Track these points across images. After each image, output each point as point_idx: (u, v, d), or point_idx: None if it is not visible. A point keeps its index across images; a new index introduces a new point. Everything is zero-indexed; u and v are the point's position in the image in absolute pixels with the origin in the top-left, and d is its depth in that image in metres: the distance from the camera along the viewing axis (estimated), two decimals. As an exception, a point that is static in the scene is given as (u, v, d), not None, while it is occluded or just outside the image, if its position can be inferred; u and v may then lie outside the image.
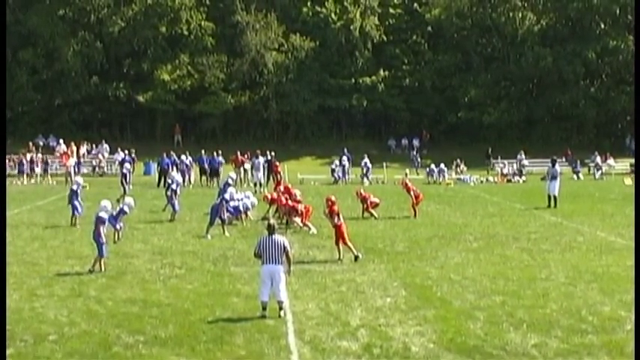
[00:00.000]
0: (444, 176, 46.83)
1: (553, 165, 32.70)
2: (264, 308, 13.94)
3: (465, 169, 50.64)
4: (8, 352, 12.12)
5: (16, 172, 46.50)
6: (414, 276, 17.66)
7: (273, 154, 44.38)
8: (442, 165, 47.49)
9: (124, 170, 38.94)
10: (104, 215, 18.90)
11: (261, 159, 42.28)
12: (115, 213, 21.63)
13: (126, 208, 22.49)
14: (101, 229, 18.43)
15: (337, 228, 19.65)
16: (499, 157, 53.41)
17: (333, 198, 20.62)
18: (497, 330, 13.19)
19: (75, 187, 25.77)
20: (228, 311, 14.61)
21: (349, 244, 19.59)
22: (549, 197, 31.23)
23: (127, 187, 37.44)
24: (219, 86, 58.72)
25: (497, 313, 14.25)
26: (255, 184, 40.83)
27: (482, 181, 47.59)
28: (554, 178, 31.49)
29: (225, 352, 12.14)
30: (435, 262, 19.30)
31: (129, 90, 58.01)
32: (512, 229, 24.77)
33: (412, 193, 28.57)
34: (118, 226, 22.17)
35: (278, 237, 14.35)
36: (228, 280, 17.33)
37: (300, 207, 24.85)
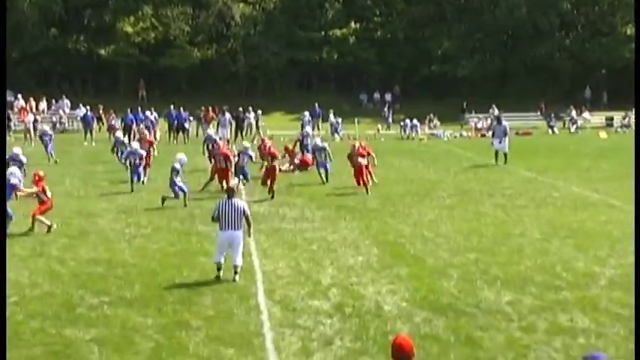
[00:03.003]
0: (417, 131, 46.85)
1: (499, 122, 32.24)
2: (219, 269, 13.89)
3: (439, 123, 50.70)
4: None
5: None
6: (386, 234, 17.73)
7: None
8: (415, 120, 47.50)
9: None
10: (178, 166, 21.32)
11: (227, 115, 42.00)
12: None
13: (177, 165, 21.59)
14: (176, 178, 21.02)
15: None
16: (473, 111, 53.51)
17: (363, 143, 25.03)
18: (470, 287, 13.31)
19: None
20: (196, 271, 14.59)
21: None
22: (496, 153, 30.59)
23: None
24: (184, 39, 57.97)
25: (470, 271, 14.37)
26: (227, 142, 40.52)
27: (455, 137, 47.74)
28: (499, 136, 30.83)
29: (194, 313, 12.14)
30: (408, 220, 19.38)
31: (90, 43, 57.02)
32: (486, 185, 24.91)
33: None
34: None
35: (237, 201, 14.06)
36: (196, 239, 17.28)
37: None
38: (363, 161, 23.74)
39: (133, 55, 57.51)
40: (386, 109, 54.85)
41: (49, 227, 17.93)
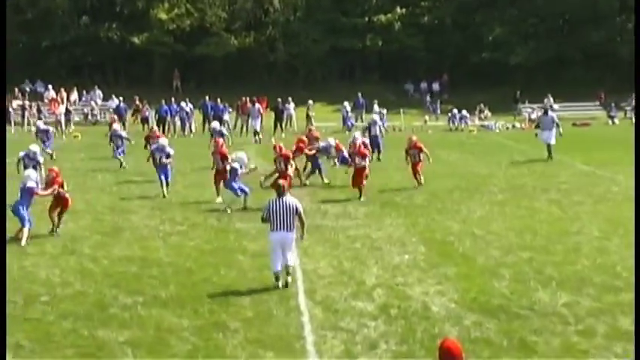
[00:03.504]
0: (466, 123, 46.64)
1: (545, 113, 31.95)
2: (277, 279, 13.39)
3: (490, 114, 50.38)
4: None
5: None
6: (434, 231, 17.67)
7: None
8: (464, 111, 47.26)
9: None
10: (237, 166, 20.64)
11: (257, 106, 41.97)
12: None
13: (236, 165, 20.80)
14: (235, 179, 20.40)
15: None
16: (526, 101, 53.05)
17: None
18: (524, 288, 13.20)
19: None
20: (234, 270, 14.67)
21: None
22: (548, 147, 30.09)
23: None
24: (221, 26, 58.24)
25: (524, 270, 14.26)
26: (255, 134, 40.43)
27: (507, 128, 47.38)
28: (547, 128, 30.40)
29: (231, 314, 12.21)
30: (457, 216, 19.30)
31: (122, 31, 57.53)
32: (540, 180, 24.69)
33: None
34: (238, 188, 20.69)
35: (289, 199, 13.64)
36: (234, 236, 17.38)
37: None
38: (422, 156, 23.67)
39: (167, 43, 57.90)
40: (428, 97, 54.50)
41: (55, 228, 17.74)
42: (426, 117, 48.87)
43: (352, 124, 44.97)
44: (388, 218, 19.08)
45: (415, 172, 23.48)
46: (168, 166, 22.71)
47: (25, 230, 16.86)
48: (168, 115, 43.44)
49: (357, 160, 22.25)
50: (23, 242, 16.54)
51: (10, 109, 47.21)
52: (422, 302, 12.63)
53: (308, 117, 44.98)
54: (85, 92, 53.24)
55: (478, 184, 23.98)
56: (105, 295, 13.22)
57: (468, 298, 12.75)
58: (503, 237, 16.89)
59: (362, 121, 47.52)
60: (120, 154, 29.30)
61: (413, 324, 11.65)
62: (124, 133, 31.40)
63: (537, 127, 31.99)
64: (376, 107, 46.62)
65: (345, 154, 25.41)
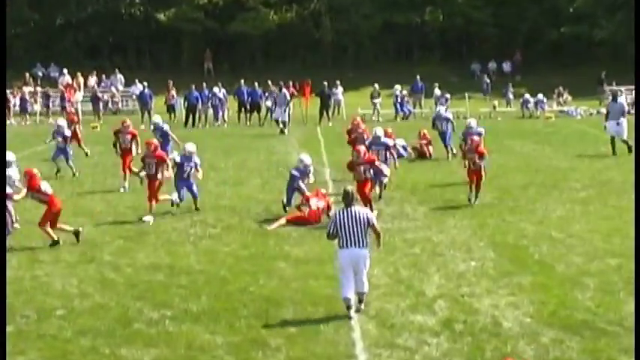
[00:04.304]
0: (542, 108, 46.29)
1: (614, 99, 30.83)
2: (348, 307, 12.59)
3: (570, 98, 49.95)
4: (7, 329, 12.41)
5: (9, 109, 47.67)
6: (505, 234, 17.56)
7: (376, 86, 45.85)
8: (540, 95, 46.91)
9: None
10: (302, 169, 20.08)
11: (284, 91, 41.69)
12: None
13: (301, 168, 20.25)
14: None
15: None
16: (614, 82, 52.45)
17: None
18: (612, 300, 13.07)
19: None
20: (274, 279, 14.72)
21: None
22: (612, 141, 29.16)
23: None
24: (258, 0, 58.41)
25: (611, 280, 14.11)
26: (278, 123, 40.04)
27: (591, 114, 46.89)
28: (615, 117, 29.44)
29: (271, 330, 12.24)
30: (532, 217, 19.16)
31: (146, 6, 58.04)
32: (630, 174, 24.31)
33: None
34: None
35: (359, 209, 13.16)
36: (274, 240, 17.44)
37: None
38: (482, 162, 20.84)
39: (198, 20, 58.23)
40: (486, 78, 53.99)
41: (55, 241, 17.35)
42: (495, 102, 48.55)
43: (409, 112, 44.92)
44: (452, 219, 18.99)
45: (474, 182, 20.74)
46: (193, 180, 20.57)
47: None
48: (199, 103, 43.62)
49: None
50: None
51: (14, 99, 48.07)
52: (491, 316, 12.55)
53: (374, 104, 44.69)
54: (104, 77, 53.72)
55: (557, 180, 23.78)
56: (128, 309, 13.33)
57: (545, 312, 12.65)
58: (586, 241, 16.73)
59: (420, 108, 47.52)
60: (61, 159, 26.61)
61: (481, 341, 11.58)
62: (68, 132, 27.70)
63: (607, 117, 30.52)
64: (437, 91, 46.54)
65: (402, 147, 25.57)
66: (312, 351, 11.37)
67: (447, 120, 29.46)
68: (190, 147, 20.82)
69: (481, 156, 20.68)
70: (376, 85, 46.12)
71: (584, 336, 11.67)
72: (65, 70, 52.68)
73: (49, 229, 17.34)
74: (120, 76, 53.48)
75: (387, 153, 22.10)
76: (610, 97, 32.00)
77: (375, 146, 22.07)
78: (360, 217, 12.75)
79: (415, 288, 14.02)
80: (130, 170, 23.09)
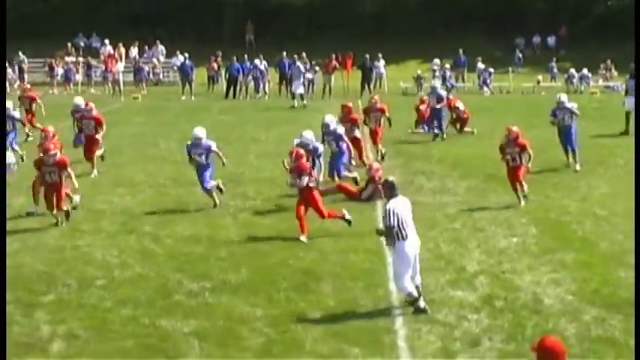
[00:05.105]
0: (587, 83, 45.81)
1: (631, 76, 30.18)
2: (413, 302, 11.83)
3: (616, 73, 49.33)
4: (48, 298, 12.57)
5: (49, 79, 48.26)
6: (547, 210, 17.45)
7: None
8: (585, 69, 46.43)
9: None
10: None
11: (299, 64, 41.44)
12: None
13: None
14: None
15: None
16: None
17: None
18: (655, 279, 12.95)
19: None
20: (314, 252, 14.74)
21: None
22: (627, 117, 28.63)
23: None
24: (301, -29, 58.25)
25: (655, 258, 13.98)
26: (293, 97, 39.64)
27: (637, 90, 46.33)
28: (631, 94, 28.86)
29: (310, 303, 12.28)
30: (575, 194, 19.04)
31: (189, -23, 58.08)
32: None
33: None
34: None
35: (403, 197, 12.44)
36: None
37: None
38: (524, 157, 18.13)
39: (240, -9, 58.14)
40: (519, 53, 53.37)
41: (66, 212, 16.96)
42: (539, 77, 48.12)
43: (452, 86, 44.65)
44: (493, 195, 18.89)
45: (515, 181, 18.22)
46: (210, 166, 18.56)
47: None
48: (240, 75, 43.69)
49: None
50: None
51: (57, 68, 48.62)
52: (532, 293, 12.50)
53: (418, 79, 44.38)
54: (146, 48, 53.88)
55: (602, 156, 23.56)
56: (168, 280, 13.44)
57: (587, 290, 12.56)
58: (630, 219, 16.54)
59: (463, 82, 47.25)
60: (14, 145, 23.91)
61: (522, 318, 11.54)
62: (15, 114, 25.28)
63: (626, 93, 30.08)
64: (480, 65, 46.24)
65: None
66: (351, 325, 11.38)
67: (440, 98, 27.85)
68: (198, 131, 18.45)
69: (522, 149, 17.92)
70: (419, 71, 45.79)
71: (627, 314, 11.56)
72: (107, 41, 52.95)
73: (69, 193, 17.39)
74: (161, 48, 53.64)
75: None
76: (629, 75, 31.52)
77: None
78: (407, 204, 12.17)
79: (455, 263, 13.99)
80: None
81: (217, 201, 18.25)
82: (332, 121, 20.34)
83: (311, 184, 15.95)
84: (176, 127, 30.36)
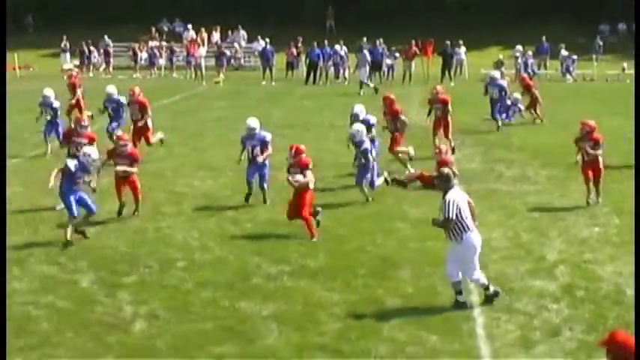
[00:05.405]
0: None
1: None
2: (487, 287, 11.63)
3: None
4: (130, 279, 12.77)
5: (133, 63, 49.05)
6: (630, 200, 17.14)
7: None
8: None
9: None
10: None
11: (366, 52, 41.27)
12: None
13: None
14: None
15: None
16: None
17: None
18: None
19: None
20: (392, 239, 14.72)
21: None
22: None
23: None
24: (383, -44, 58.02)
25: None
26: (361, 85, 39.25)
27: None
28: None
29: (388, 289, 12.27)
30: (660, 183, 18.68)
31: (271, -38, 58.23)
32: None
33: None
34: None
35: (461, 189, 12.23)
36: (393, 199, 17.43)
37: None
38: (599, 151, 17.16)
39: (322, -24, 58.12)
40: (599, 40, 52.39)
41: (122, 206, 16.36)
42: (624, 64, 47.24)
43: (534, 73, 44.08)
44: (574, 183, 18.60)
45: (590, 179, 17.19)
46: (266, 164, 17.67)
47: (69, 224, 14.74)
48: (321, 60, 43.78)
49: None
50: (68, 236, 14.60)
51: (141, 53, 49.36)
52: (614, 284, 12.32)
53: (499, 64, 43.77)
54: (230, 32, 54.22)
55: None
56: (247, 263, 13.55)
57: (671, 281, 12.34)
58: None
59: (545, 69, 46.64)
60: (52, 134, 22.85)
61: (603, 309, 11.38)
62: (56, 103, 23.44)
63: None
64: (563, 52, 45.58)
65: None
66: (429, 312, 11.34)
67: (501, 88, 27.04)
68: (252, 122, 17.65)
69: (596, 143, 17.02)
70: (500, 56, 45.24)
71: None
72: (190, 26, 53.48)
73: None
74: (243, 32, 54.00)
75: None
76: None
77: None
78: (466, 196, 11.82)
79: (535, 252, 13.85)
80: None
81: (268, 200, 17.39)
82: (362, 111, 19.69)
83: (311, 185, 15.31)
84: (257, 111, 30.36)
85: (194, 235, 15.07)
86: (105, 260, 13.74)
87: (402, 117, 20.74)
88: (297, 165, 15.35)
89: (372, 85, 38.97)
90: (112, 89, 23.50)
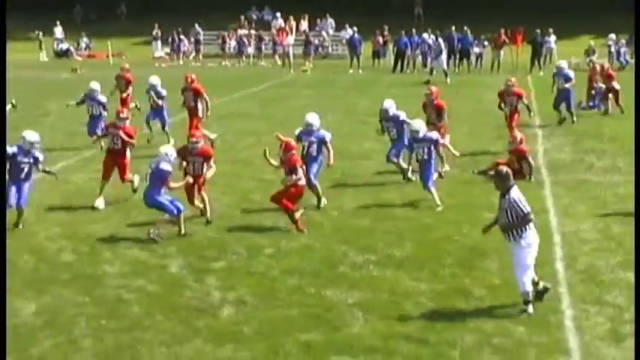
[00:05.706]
0: None
1: None
2: (527, 303, 11.02)
3: None
4: (218, 264, 12.92)
5: (222, 52, 49.56)
6: None
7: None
8: None
9: None
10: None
11: (440, 40, 40.88)
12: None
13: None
14: None
15: None
16: None
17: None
18: None
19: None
20: (479, 229, 14.55)
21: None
22: None
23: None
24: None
25: None
26: (431, 72, 39.19)
27: None
28: None
29: (475, 279, 12.20)
30: None
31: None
32: None
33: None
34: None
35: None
36: (479, 189, 17.28)
37: None
38: None
39: (410, -36, 57.78)
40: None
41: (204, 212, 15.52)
42: None
43: (626, 62, 43.28)
44: (668, 175, 18.26)
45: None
46: (319, 162, 16.67)
47: (181, 218, 14.59)
48: (408, 49, 43.58)
49: None
50: (182, 231, 14.61)
51: (230, 41, 49.87)
52: None
53: (590, 52, 43.09)
54: (318, 21, 54.33)
55: None
56: (334, 251, 13.59)
57: None
58: None
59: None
60: (98, 130, 21.37)
61: (696, 304, 11.13)
62: (102, 98, 22.33)
63: None
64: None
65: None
66: (516, 303, 11.22)
67: (567, 78, 25.50)
68: (310, 118, 16.61)
69: None
70: (591, 42, 44.45)
71: None
72: (278, 14, 53.72)
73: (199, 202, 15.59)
74: (330, 21, 54.09)
75: None
76: None
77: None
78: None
79: (626, 245, 13.58)
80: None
81: (323, 202, 16.37)
82: (391, 106, 18.75)
83: (300, 182, 14.76)
84: (344, 100, 30.55)
85: (281, 223, 15.13)
86: (193, 246, 13.92)
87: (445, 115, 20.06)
88: (287, 164, 14.74)
89: (434, 74, 38.83)
90: (155, 80, 22.72)
